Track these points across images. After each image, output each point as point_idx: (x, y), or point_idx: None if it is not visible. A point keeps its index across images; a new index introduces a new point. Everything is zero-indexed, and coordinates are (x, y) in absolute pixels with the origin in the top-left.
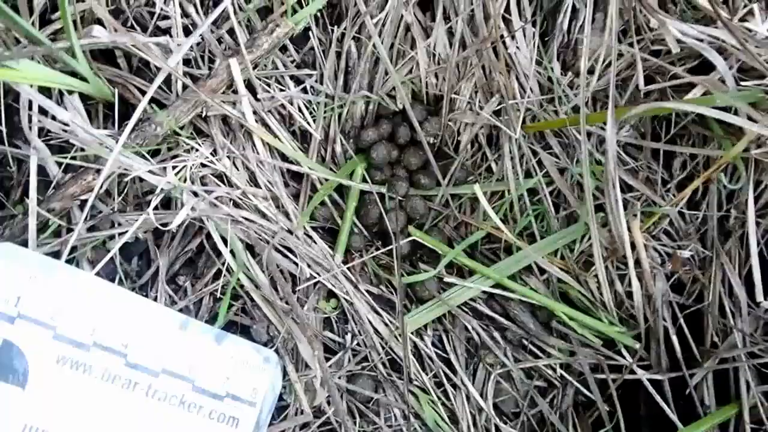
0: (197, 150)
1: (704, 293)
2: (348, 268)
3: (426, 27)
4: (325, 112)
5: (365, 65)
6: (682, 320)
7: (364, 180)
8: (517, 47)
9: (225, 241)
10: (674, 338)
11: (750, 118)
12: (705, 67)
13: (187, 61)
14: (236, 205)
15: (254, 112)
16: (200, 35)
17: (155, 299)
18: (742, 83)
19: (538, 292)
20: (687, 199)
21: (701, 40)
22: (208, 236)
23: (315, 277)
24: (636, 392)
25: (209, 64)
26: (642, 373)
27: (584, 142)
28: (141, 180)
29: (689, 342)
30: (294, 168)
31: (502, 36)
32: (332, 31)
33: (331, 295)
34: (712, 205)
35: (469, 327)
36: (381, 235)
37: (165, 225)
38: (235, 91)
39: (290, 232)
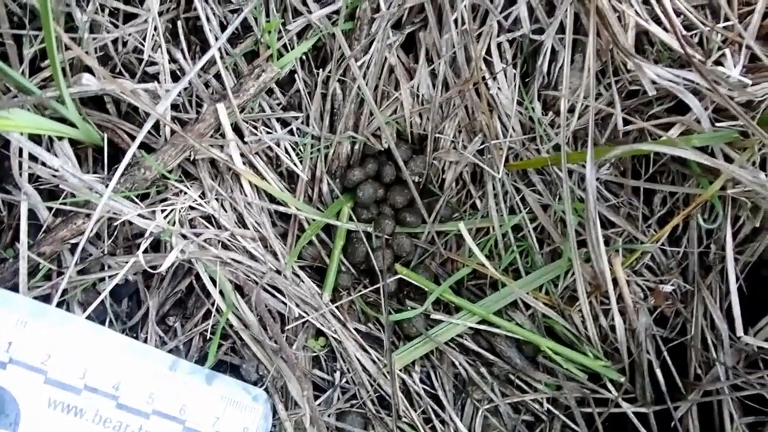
0: (186, 193)
1: (687, 326)
2: (336, 307)
3: (409, 69)
4: (311, 152)
5: (350, 106)
6: (665, 353)
7: (350, 219)
8: (499, 88)
9: (214, 281)
10: (658, 371)
11: (726, 158)
12: (682, 106)
13: (175, 106)
14: (225, 246)
15: (242, 155)
16: (188, 81)
17: (145, 340)
18: (718, 124)
19: (523, 327)
20: (668, 235)
21: (676, 83)
22: (198, 277)
23: (303, 316)
24: (622, 425)
25: (197, 108)
26: (627, 406)
27: (565, 180)
28: (131, 223)
29: (673, 375)
30: (281, 209)
31: (483, 77)
32: (318, 73)
33: (319, 333)
34: (692, 241)
35: (457, 363)
36: (368, 273)
37: (155, 267)
38: (223, 135)
39: (278, 272)
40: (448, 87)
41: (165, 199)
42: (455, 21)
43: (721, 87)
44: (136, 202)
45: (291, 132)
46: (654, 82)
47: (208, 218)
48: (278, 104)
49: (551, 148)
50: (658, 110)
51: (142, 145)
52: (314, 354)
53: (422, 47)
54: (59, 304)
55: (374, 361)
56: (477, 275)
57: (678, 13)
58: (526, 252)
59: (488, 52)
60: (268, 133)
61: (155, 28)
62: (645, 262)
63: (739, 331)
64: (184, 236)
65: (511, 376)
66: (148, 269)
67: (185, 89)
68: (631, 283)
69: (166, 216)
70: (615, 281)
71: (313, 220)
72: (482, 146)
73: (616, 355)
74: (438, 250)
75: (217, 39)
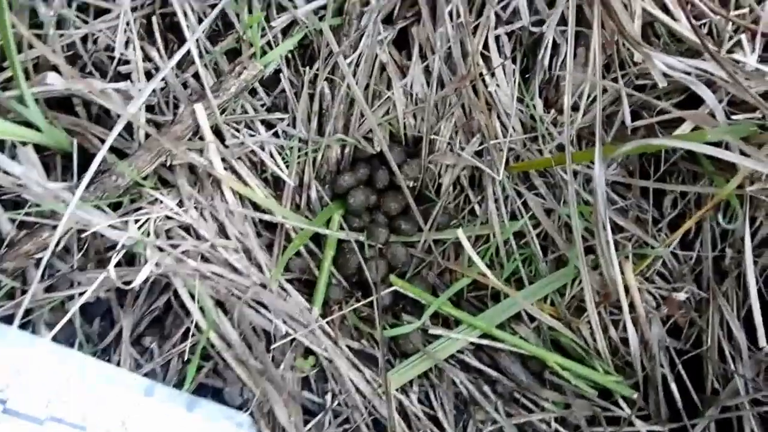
0: (162, 202)
1: (702, 337)
2: (326, 323)
3: (402, 66)
4: (298, 157)
5: (340, 107)
6: (680, 366)
7: (341, 228)
8: (497, 85)
9: (194, 297)
10: (673, 386)
11: (743, 153)
12: (693, 100)
13: (150, 108)
14: (205, 259)
15: (222, 160)
16: (164, 80)
17: (118, 363)
18: (733, 117)
19: (528, 341)
20: (679, 239)
21: (688, 74)
22: (176, 293)
23: (291, 334)
24: None
25: (174, 110)
26: (641, 424)
27: (571, 182)
28: (102, 235)
29: (689, 390)
30: (266, 217)
31: (481, 74)
32: (304, 72)
33: (308, 352)
34: (706, 245)
35: (457, 381)
36: (361, 286)
37: (128, 283)
38: (202, 138)
39: (263, 286)
40: (444, 85)
41: (139, 209)
42: (450, 13)
43: (739, 76)
44: (107, 212)
45: (276, 134)
46: (665, 75)
47: (187, 228)
48: (262, 105)
49: (554, 149)
50: (666, 104)
51: (115, 150)
52: (303, 375)
53: (415, 43)
54: (23, 326)
55: (368, 381)
56: (477, 286)
57: (687, 1)
58: (529, 260)
59: (485, 46)
60: (251, 135)
61: (128, 24)
62: (656, 268)
63: (761, 341)
64: (160, 248)
65: (516, 394)
66: (121, 285)
67: (161, 89)
68: (643, 291)
69: (140, 226)
70: (625, 289)
71: (301, 229)
72: (481, 147)
73: (628, 369)
74: (435, 260)
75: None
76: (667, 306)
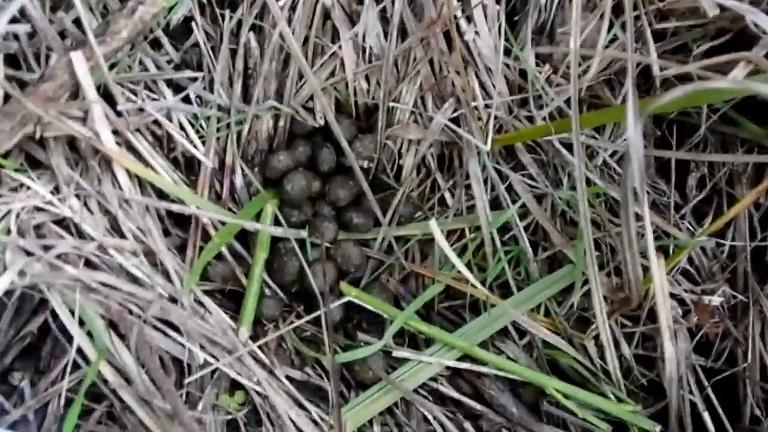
0: (29, 188)
1: (737, 352)
2: (259, 347)
3: (351, 12)
4: (218, 130)
5: (271, 65)
6: (709, 389)
7: (276, 222)
8: (476, 32)
9: (79, 317)
10: (706, 415)
11: None
12: (734, 46)
13: (12, 60)
14: (91, 264)
15: (114, 132)
16: (31, 25)
17: None
18: None
19: (518, 362)
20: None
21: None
22: (54, 313)
23: (211, 363)
24: None
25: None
26: None
27: (579, 153)
28: None
29: (722, 419)
30: (176, 209)
31: (455, 17)
32: (224, 18)
33: (236, 386)
34: (741, 233)
35: (430, 417)
36: (303, 298)
37: None
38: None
39: (173, 299)
40: (406, 34)
41: None
42: None
43: None
44: None
45: (187, 100)
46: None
47: (64, 224)
48: (168, 62)
49: (548, 115)
50: (701, 49)
51: None
52: (229, 416)
53: None
54: None
55: (316, 422)
56: (451, 294)
57: None
58: (516, 259)
59: None
60: (153, 100)
61: None
62: (681, 265)
63: None
64: (27, 251)
65: (506, 431)
66: None
67: (30, 37)
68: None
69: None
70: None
71: (223, 224)
72: (454, 115)
73: (643, 394)
74: (397, 262)
75: None
76: (698, 313)
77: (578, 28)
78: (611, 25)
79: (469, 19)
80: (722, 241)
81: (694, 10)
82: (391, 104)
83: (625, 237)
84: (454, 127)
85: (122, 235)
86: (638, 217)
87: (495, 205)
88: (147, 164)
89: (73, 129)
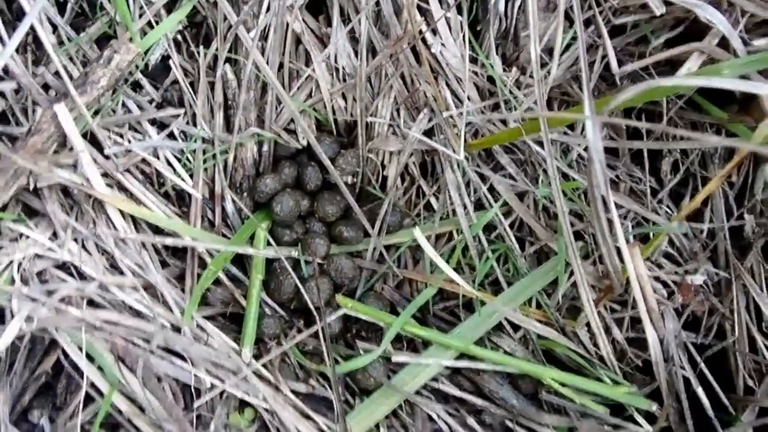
0: (28, 237)
1: (726, 326)
2: (263, 365)
3: (321, 35)
4: (204, 161)
5: (249, 94)
6: (702, 365)
7: (268, 244)
8: (443, 44)
9: (89, 355)
10: (699, 390)
11: None
12: (686, 38)
13: (1, 118)
14: (93, 303)
15: (104, 175)
16: (17, 82)
17: None
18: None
19: (515, 356)
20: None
21: None
22: (65, 352)
23: (218, 385)
24: None
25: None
26: None
27: (549, 151)
28: None
29: (717, 392)
30: (171, 242)
31: (420, 32)
32: (199, 55)
33: (244, 404)
34: (718, 213)
35: (435, 416)
36: (301, 313)
37: None
38: (72, 149)
39: (176, 328)
40: (376, 52)
41: None
42: None
43: None
44: None
45: (172, 136)
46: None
47: (65, 267)
48: (150, 102)
49: (520, 117)
50: (657, 43)
51: None
52: None
53: (334, 3)
54: None
55: (323, 431)
56: (445, 296)
57: None
58: (504, 257)
59: None
60: (138, 140)
61: None
62: (662, 248)
63: None
64: (32, 298)
65: (509, 422)
66: None
67: (16, 93)
68: (650, 279)
69: (2, 271)
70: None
71: (218, 251)
72: (430, 124)
73: (639, 375)
74: (390, 270)
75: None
76: (682, 293)
77: (537, 33)
78: (572, 24)
79: (435, 31)
80: (696, 225)
81: (645, 5)
82: (369, 119)
83: (598, 231)
84: (426, 139)
85: (121, 273)
86: (617, 206)
87: (480, 205)
88: (139, 202)
89: (64, 178)
